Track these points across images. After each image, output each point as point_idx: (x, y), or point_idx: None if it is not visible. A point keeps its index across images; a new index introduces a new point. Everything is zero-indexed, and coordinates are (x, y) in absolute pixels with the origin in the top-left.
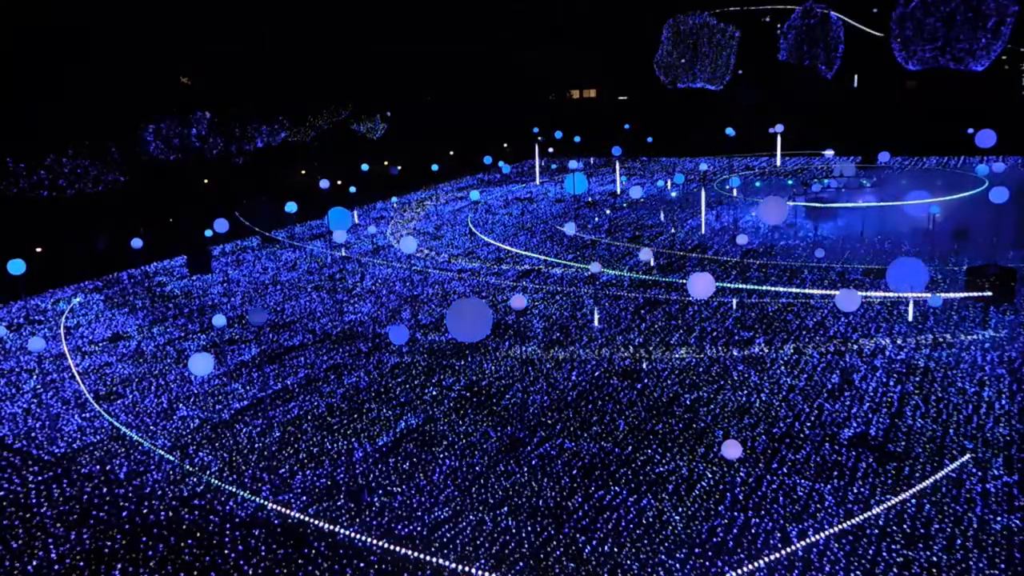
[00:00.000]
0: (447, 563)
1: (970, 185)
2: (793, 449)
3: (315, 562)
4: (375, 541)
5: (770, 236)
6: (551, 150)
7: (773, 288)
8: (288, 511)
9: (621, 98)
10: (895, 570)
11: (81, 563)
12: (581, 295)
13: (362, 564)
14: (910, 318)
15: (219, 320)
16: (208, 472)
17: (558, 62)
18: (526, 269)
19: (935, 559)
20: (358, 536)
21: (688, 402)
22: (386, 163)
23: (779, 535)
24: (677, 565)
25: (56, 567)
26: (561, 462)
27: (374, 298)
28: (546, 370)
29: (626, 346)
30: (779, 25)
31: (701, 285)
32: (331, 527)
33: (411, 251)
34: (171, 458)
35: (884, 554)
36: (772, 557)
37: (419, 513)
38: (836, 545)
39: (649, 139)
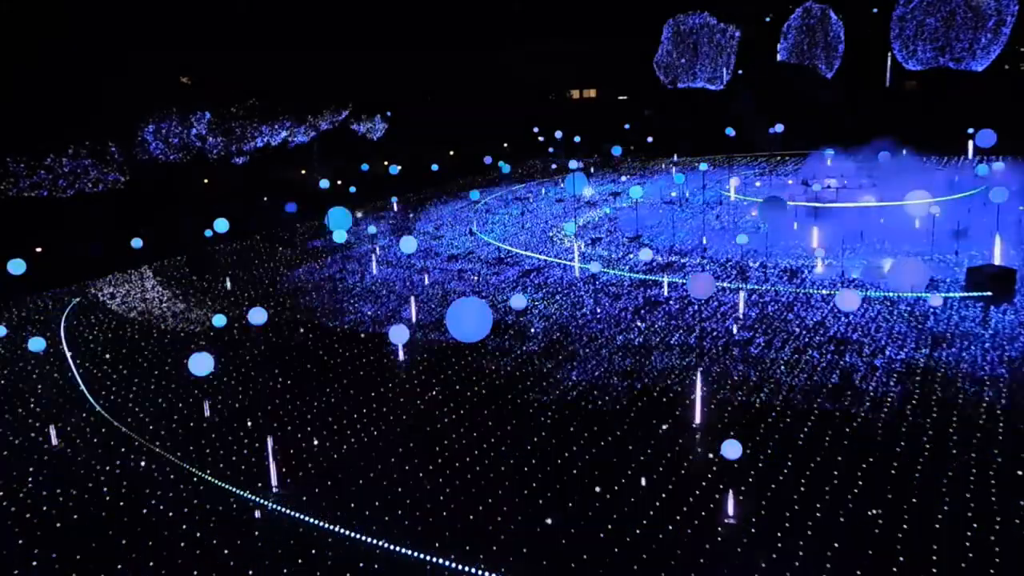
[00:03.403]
0: (447, 563)
1: (970, 185)
2: (793, 448)
3: (315, 562)
4: (375, 541)
5: (769, 237)
6: (551, 150)
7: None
8: (288, 511)
9: (621, 98)
10: (895, 570)
11: (81, 563)
12: (580, 295)
13: (362, 564)
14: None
15: (219, 320)
16: (207, 472)
17: (558, 62)
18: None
19: (935, 559)
20: (358, 536)
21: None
22: (386, 163)
23: (779, 535)
24: (677, 565)
25: (56, 567)
26: (561, 462)
27: (374, 297)
28: (546, 370)
29: (626, 346)
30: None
31: (701, 285)
32: (331, 527)
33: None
34: (172, 458)
35: (884, 554)
36: (772, 556)
37: (419, 513)
38: (836, 545)
39: (649, 139)
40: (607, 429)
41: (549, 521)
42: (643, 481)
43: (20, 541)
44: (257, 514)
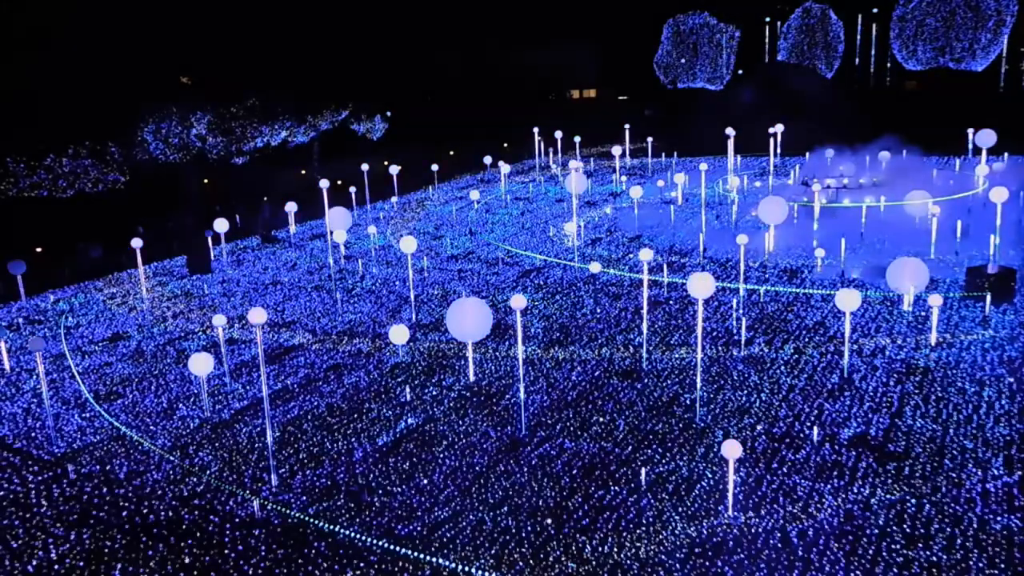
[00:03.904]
0: (447, 563)
1: (970, 185)
2: (793, 449)
3: (315, 562)
4: (375, 541)
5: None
6: (551, 150)
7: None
8: (288, 511)
9: (621, 98)
10: (895, 570)
11: (81, 563)
12: (580, 295)
13: (362, 564)
14: (907, 306)
15: (219, 320)
16: (208, 472)
17: (558, 62)
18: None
19: (935, 559)
20: (358, 536)
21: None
22: (386, 163)
23: (779, 535)
24: (677, 565)
25: (56, 567)
26: (561, 462)
27: (374, 297)
28: (546, 370)
29: (626, 346)
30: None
31: (701, 285)
32: (331, 527)
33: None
34: (171, 458)
35: (884, 554)
36: (772, 557)
37: (419, 513)
38: (836, 545)
39: (650, 139)
40: (607, 430)
41: (549, 521)
42: (643, 481)
43: (19, 542)
44: (257, 514)
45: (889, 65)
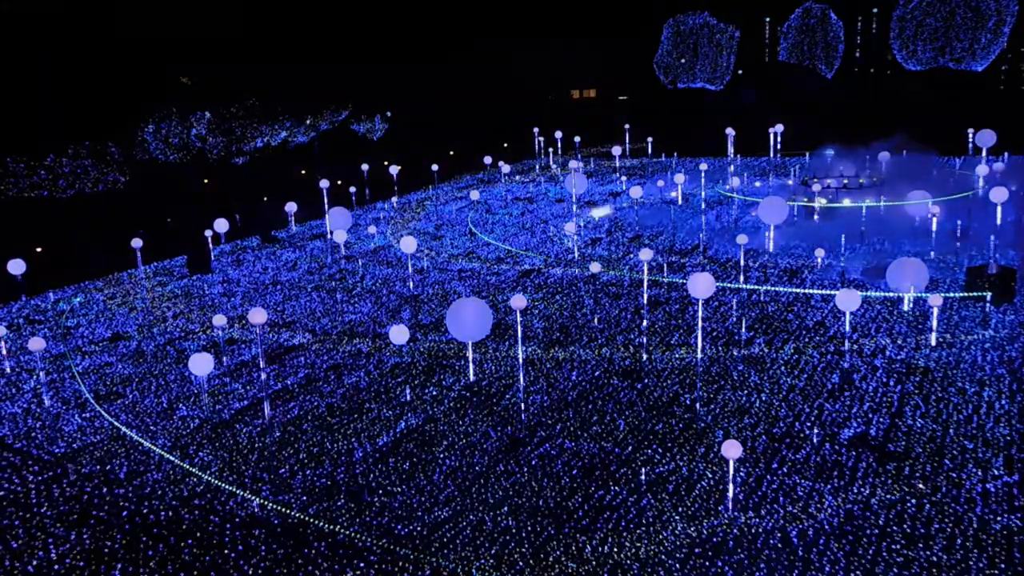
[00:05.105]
0: (447, 563)
1: (970, 185)
2: (793, 449)
3: (315, 562)
4: (375, 541)
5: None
6: (551, 150)
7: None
8: (288, 511)
9: (621, 98)
10: (895, 570)
11: (81, 563)
12: (580, 295)
13: (362, 564)
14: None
15: (219, 320)
16: (208, 472)
17: (558, 62)
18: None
19: (935, 559)
20: (358, 536)
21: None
22: (386, 163)
23: (779, 535)
24: (677, 565)
25: (56, 567)
26: (561, 462)
27: (374, 298)
28: (546, 370)
29: (626, 346)
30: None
31: (701, 285)
32: (331, 527)
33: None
34: (171, 458)
35: (884, 554)
36: (772, 557)
37: (419, 513)
38: (836, 545)
39: (650, 139)
40: (607, 430)
41: (549, 520)
42: (643, 481)
43: (19, 542)
44: (257, 512)
45: (890, 58)
